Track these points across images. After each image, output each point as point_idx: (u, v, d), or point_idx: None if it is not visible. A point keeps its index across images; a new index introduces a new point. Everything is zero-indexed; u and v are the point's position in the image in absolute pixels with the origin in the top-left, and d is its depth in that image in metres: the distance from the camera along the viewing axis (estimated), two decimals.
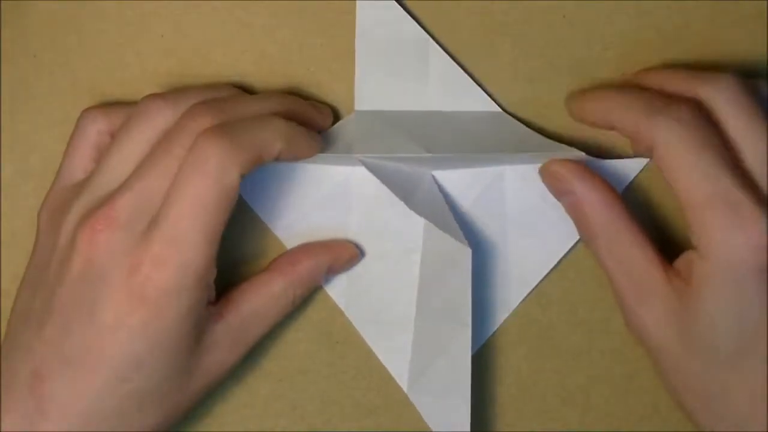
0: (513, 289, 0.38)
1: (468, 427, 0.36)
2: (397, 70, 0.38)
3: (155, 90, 0.38)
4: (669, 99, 0.34)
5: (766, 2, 0.38)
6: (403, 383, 0.38)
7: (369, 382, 0.39)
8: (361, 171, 0.37)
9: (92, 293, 0.32)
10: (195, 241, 0.32)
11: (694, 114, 0.33)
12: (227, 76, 0.38)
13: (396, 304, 0.38)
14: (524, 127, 0.38)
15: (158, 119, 0.34)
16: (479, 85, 0.38)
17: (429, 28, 0.38)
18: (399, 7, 0.37)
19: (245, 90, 0.38)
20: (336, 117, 0.38)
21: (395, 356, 0.38)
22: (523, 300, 0.38)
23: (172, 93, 0.35)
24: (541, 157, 0.36)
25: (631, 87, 0.36)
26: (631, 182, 0.38)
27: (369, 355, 0.39)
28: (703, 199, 0.32)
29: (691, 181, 0.32)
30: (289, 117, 0.35)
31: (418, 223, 0.38)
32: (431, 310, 0.37)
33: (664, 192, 0.38)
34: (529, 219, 0.38)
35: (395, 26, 0.37)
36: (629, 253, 0.34)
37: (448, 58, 0.38)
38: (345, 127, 0.38)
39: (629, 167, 0.37)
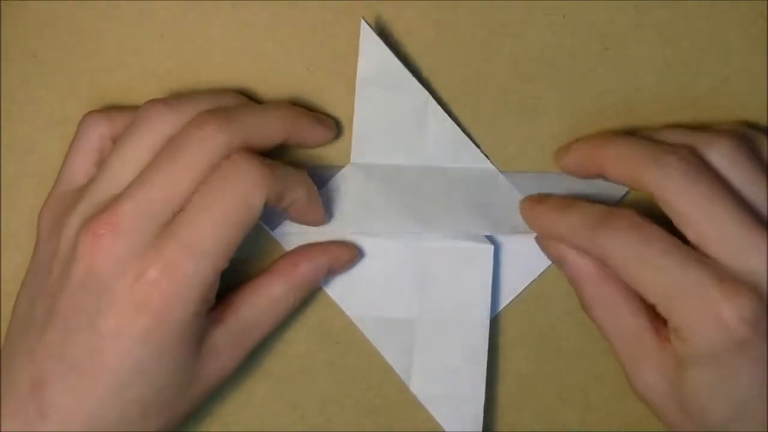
0: (502, 293, 0.38)
1: (480, 427, 0.36)
2: (395, 125, 0.38)
3: (155, 90, 0.38)
4: (662, 152, 0.34)
5: (766, 2, 0.38)
6: (409, 380, 0.38)
7: (369, 382, 0.39)
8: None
9: (94, 300, 0.32)
10: (211, 253, 0.32)
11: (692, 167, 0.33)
12: (227, 75, 0.38)
13: (398, 300, 0.38)
14: (516, 192, 0.38)
15: (161, 125, 0.34)
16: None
17: (429, 28, 0.38)
18: (399, 63, 0.37)
19: (246, 95, 0.38)
20: (337, 123, 0.38)
21: (399, 353, 0.38)
22: (510, 303, 0.39)
23: (175, 98, 0.35)
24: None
25: (623, 136, 0.36)
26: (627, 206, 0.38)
27: (369, 355, 0.39)
28: (669, 289, 0.32)
29: (654, 275, 0.32)
30: (295, 131, 0.35)
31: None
32: (440, 307, 0.37)
33: (656, 219, 0.38)
34: (523, 228, 0.38)
35: (395, 82, 0.37)
36: (623, 322, 0.34)
37: (447, 116, 0.38)
38: (339, 189, 0.38)
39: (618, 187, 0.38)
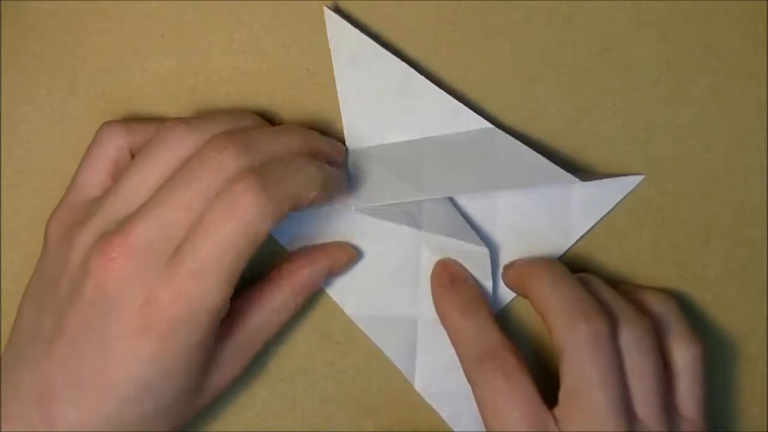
0: (502, 293, 0.38)
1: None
2: (383, 104, 0.37)
3: (155, 90, 0.38)
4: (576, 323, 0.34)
5: (766, 2, 0.38)
6: (413, 379, 0.38)
7: (369, 382, 0.39)
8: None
9: (103, 320, 0.32)
10: (219, 281, 0.32)
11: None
12: (227, 75, 0.38)
13: (399, 299, 0.38)
14: (517, 143, 0.37)
15: (181, 146, 0.34)
16: (468, 99, 0.38)
17: (429, 28, 0.38)
18: (371, 41, 0.36)
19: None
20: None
21: (402, 352, 0.38)
22: (510, 303, 0.38)
23: (196, 119, 0.35)
24: (534, 179, 0.36)
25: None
26: (623, 199, 0.38)
27: (369, 355, 0.39)
28: None
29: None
30: (311, 154, 0.35)
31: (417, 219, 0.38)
32: None
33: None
34: (521, 228, 0.38)
35: (372, 60, 0.37)
36: None
37: (430, 83, 0.37)
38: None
39: (622, 184, 0.38)
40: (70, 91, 0.38)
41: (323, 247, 0.37)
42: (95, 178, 0.35)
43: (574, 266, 0.38)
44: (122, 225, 0.32)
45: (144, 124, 0.36)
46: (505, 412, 0.33)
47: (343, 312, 0.38)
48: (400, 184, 0.37)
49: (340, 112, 0.38)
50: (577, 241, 0.38)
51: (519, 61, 0.38)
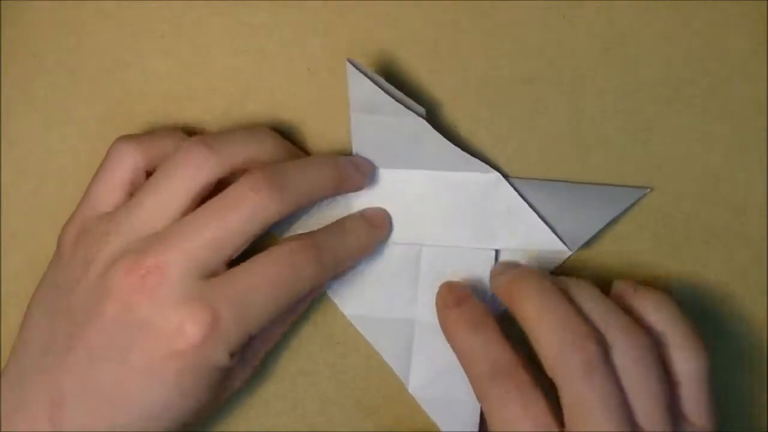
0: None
1: (476, 428, 0.36)
2: (393, 150, 0.37)
3: (155, 90, 0.38)
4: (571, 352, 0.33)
5: (766, 2, 0.38)
6: (407, 381, 0.38)
7: (369, 382, 0.39)
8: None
9: (127, 338, 0.32)
10: (257, 315, 0.33)
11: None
12: (227, 75, 0.38)
13: (397, 301, 0.38)
14: (518, 199, 0.37)
15: (202, 169, 0.34)
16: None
17: (429, 28, 0.38)
18: (389, 98, 0.36)
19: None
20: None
21: (398, 354, 0.38)
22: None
23: (216, 140, 0.35)
24: (528, 243, 0.37)
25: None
26: (628, 209, 0.38)
27: (369, 355, 0.39)
28: None
29: None
30: (341, 187, 0.36)
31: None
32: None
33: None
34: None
35: (387, 111, 0.37)
36: None
37: (443, 138, 0.37)
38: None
39: (627, 195, 0.38)
40: (70, 91, 0.38)
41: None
42: (110, 194, 0.35)
43: (574, 267, 0.38)
44: (151, 246, 0.33)
45: (159, 140, 0.36)
46: (519, 427, 0.33)
47: (343, 313, 0.38)
48: (399, 227, 0.38)
49: (339, 113, 0.38)
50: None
51: (519, 61, 0.38)
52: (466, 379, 0.36)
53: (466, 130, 0.38)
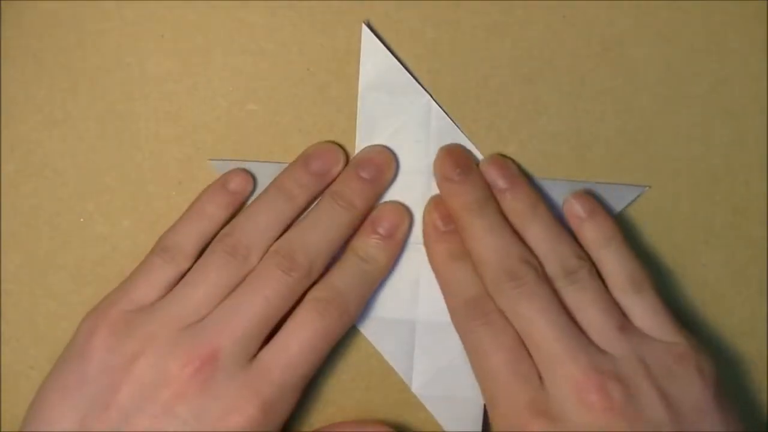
0: None
1: (480, 427, 0.36)
2: (399, 129, 0.38)
3: (155, 90, 0.38)
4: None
5: (766, 2, 0.38)
6: (410, 381, 0.38)
7: (369, 382, 0.39)
8: None
9: (180, 424, 0.33)
10: (300, 385, 0.35)
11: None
12: (227, 75, 0.38)
13: (398, 301, 0.38)
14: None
15: (239, 268, 0.35)
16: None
17: (429, 28, 0.38)
18: (401, 67, 0.37)
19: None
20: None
21: (400, 354, 0.38)
22: None
23: (238, 259, 0.36)
24: None
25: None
26: (627, 208, 0.38)
27: (369, 355, 0.39)
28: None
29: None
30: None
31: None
32: (441, 308, 0.37)
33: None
34: None
35: (398, 85, 0.37)
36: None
37: (449, 119, 0.37)
38: None
39: (625, 192, 0.38)
40: (70, 91, 0.38)
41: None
42: (145, 294, 0.35)
43: None
44: (197, 335, 0.34)
45: (193, 253, 0.36)
46: (491, 354, 0.34)
47: None
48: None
49: (339, 113, 0.38)
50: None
51: (519, 61, 0.38)
52: (470, 377, 0.36)
53: (466, 130, 0.38)
